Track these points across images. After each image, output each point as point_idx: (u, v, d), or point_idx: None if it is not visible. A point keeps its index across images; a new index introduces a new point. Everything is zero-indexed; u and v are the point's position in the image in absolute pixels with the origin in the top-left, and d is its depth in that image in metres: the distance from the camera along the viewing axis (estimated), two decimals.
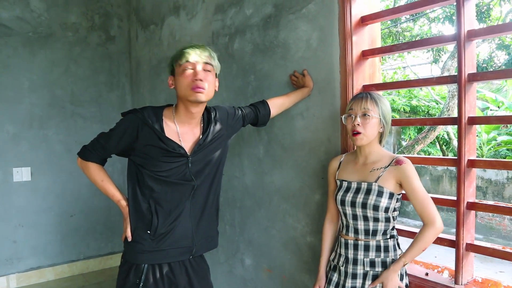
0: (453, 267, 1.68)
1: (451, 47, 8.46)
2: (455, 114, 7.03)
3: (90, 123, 3.96)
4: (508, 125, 8.53)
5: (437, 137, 9.44)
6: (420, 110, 9.40)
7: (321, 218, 2.10)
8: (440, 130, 7.80)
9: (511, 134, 9.09)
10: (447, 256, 5.34)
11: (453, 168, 7.79)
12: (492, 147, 9.31)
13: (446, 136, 9.29)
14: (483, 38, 1.57)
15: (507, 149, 8.91)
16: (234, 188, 2.70)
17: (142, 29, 3.88)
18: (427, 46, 1.76)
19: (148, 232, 1.65)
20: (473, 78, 1.56)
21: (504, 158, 8.87)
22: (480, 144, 9.41)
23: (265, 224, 2.47)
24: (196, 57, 1.61)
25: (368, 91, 1.66)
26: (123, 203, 1.71)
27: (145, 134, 1.60)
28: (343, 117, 1.69)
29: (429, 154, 9.92)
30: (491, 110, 9.61)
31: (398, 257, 1.59)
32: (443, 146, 9.83)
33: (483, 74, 1.54)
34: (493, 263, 5.76)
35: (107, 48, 4.07)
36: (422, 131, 7.38)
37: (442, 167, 7.93)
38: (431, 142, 9.15)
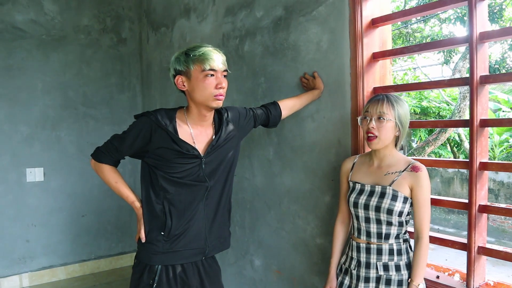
0: (464, 270, 1.68)
1: (462, 48, 8.39)
2: (466, 115, 6.96)
3: (102, 124, 4.00)
4: None
5: (448, 139, 9.36)
6: (431, 112, 9.32)
7: (331, 220, 2.10)
8: (451, 131, 7.73)
9: None
10: (457, 259, 5.29)
11: (465, 170, 7.72)
12: (504, 148, 9.21)
13: (457, 138, 9.21)
14: (495, 40, 1.56)
15: None
16: (244, 189, 2.71)
17: (153, 31, 3.91)
18: (438, 48, 1.75)
19: (162, 233, 1.67)
20: (485, 80, 1.55)
21: None
22: (492, 146, 9.31)
23: (275, 225, 2.47)
24: (220, 64, 1.60)
25: (386, 93, 1.63)
26: (137, 204, 1.73)
27: (158, 136, 1.61)
28: (358, 118, 1.69)
29: (439, 156, 9.83)
30: (503, 111, 9.50)
31: (411, 259, 1.59)
32: (454, 147, 9.74)
33: (496, 76, 1.54)
34: (506, 266, 5.69)
35: (118, 50, 4.11)
36: (433, 133, 7.32)
37: (453, 169, 7.85)
38: (442, 144, 9.07)
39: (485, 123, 1.57)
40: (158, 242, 1.67)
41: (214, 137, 1.72)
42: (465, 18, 7.20)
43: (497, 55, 8.94)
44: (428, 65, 12.93)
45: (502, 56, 8.30)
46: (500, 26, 7.47)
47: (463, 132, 8.69)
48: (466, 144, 8.58)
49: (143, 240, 1.69)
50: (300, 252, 2.30)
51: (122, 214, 4.11)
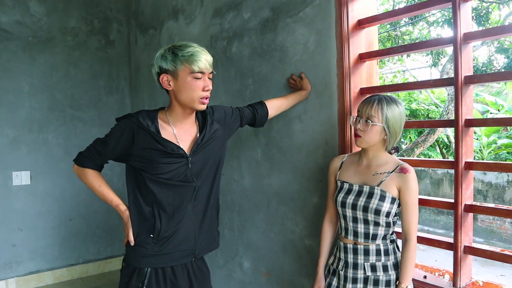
0: (441, 269, 1.69)
1: (450, 50, 8.48)
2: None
3: (90, 127, 3.96)
4: (508, 128, 8.52)
5: (437, 140, 9.43)
6: (420, 114, 9.40)
7: (319, 222, 2.09)
8: (440, 133, 7.80)
9: None
10: (447, 260, 5.33)
11: (452, 171, 7.77)
12: (493, 150, 9.31)
13: (446, 140, 9.29)
14: (479, 40, 1.58)
15: (508, 152, 8.89)
16: (232, 191, 2.70)
17: (142, 33, 3.89)
18: (424, 49, 1.77)
19: (151, 235, 1.65)
20: (469, 80, 1.56)
21: (504, 161, 8.86)
22: (480, 147, 9.41)
23: (264, 227, 2.46)
24: (207, 66, 1.58)
25: (381, 95, 1.60)
26: (122, 207, 1.71)
27: (141, 137, 1.59)
28: (350, 118, 1.70)
29: (429, 157, 9.90)
30: (491, 113, 9.60)
31: (398, 260, 1.59)
32: (443, 149, 9.82)
33: (480, 76, 1.56)
34: (494, 266, 5.74)
35: (106, 52, 4.08)
36: (422, 134, 7.37)
37: (442, 170, 7.91)
38: (431, 146, 9.14)
39: (470, 123, 1.58)
40: (148, 244, 1.65)
41: (198, 135, 1.70)
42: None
43: (484, 58, 9.06)
44: (417, 68, 13.07)
45: (489, 58, 8.40)
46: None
47: (452, 133, 8.77)
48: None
49: (132, 243, 1.67)
50: (288, 253, 2.30)
51: (111, 217, 4.06)
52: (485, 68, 8.00)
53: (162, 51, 1.60)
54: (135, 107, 4.12)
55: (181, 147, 1.64)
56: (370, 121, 1.55)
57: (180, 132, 1.67)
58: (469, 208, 1.59)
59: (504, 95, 10.07)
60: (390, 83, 10.95)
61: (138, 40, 3.99)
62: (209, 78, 1.62)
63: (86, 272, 3.97)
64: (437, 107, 9.42)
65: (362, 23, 1.93)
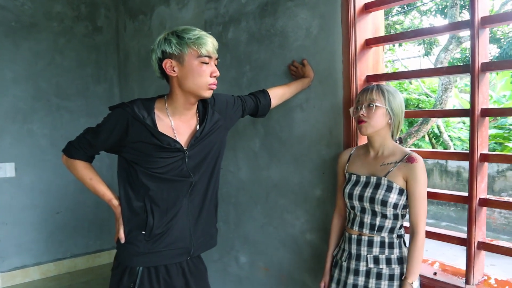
0: (454, 265, 1.62)
1: (443, 40, 8.44)
2: (448, 107, 7.01)
3: (77, 116, 3.80)
4: (498, 118, 8.55)
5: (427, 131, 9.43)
6: (411, 104, 9.37)
7: (322, 215, 2.01)
8: (433, 123, 7.78)
9: (500, 128, 9.13)
10: (438, 250, 5.32)
11: (443, 162, 7.79)
12: None
13: (436, 130, 9.29)
14: (498, 25, 1.48)
15: (495, 143, 8.94)
16: (228, 183, 2.59)
17: (131, 19, 3.73)
18: (437, 34, 1.67)
19: (143, 232, 1.53)
20: (486, 67, 1.47)
21: (492, 151, 8.90)
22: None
23: (262, 221, 2.37)
24: (214, 50, 1.47)
25: (378, 83, 1.59)
26: (115, 202, 1.59)
27: (135, 130, 1.47)
28: (351, 109, 1.64)
29: (419, 148, 9.91)
30: None
31: (403, 254, 1.52)
32: (433, 139, 9.83)
33: (498, 63, 1.47)
34: (485, 256, 5.76)
35: (94, 39, 3.91)
36: (415, 125, 7.34)
37: (432, 160, 7.90)
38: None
39: (486, 112, 1.49)
40: (139, 242, 1.53)
41: (198, 128, 1.58)
42: (446, 10, 7.22)
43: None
44: (407, 58, 13.04)
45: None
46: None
47: (442, 124, 8.77)
48: (445, 136, 8.67)
49: (123, 241, 1.55)
50: (288, 248, 2.21)
51: (100, 210, 3.93)
52: None
53: (164, 35, 1.47)
54: (124, 96, 3.97)
55: (178, 140, 1.52)
56: (373, 104, 1.52)
57: (179, 124, 1.55)
58: (483, 202, 1.52)
59: (493, 85, 10.11)
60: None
61: (127, 27, 3.82)
62: (216, 65, 1.50)
63: (74, 267, 3.85)
64: (427, 97, 9.40)
65: (369, 7, 1.83)
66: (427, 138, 9.95)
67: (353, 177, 1.62)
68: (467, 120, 9.96)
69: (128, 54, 3.84)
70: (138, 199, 1.54)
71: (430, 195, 1.68)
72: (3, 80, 3.42)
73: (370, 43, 1.84)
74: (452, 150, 8.55)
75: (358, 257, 1.55)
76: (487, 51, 1.52)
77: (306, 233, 2.11)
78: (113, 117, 1.49)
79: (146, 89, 3.50)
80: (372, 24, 1.89)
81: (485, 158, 1.50)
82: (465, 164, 7.55)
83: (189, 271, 1.65)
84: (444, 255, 5.30)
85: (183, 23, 2.90)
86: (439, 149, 9.54)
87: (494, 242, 1.51)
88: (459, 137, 9.46)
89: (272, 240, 2.31)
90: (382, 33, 1.95)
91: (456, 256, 5.37)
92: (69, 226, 3.82)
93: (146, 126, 1.47)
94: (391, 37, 1.80)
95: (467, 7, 7.45)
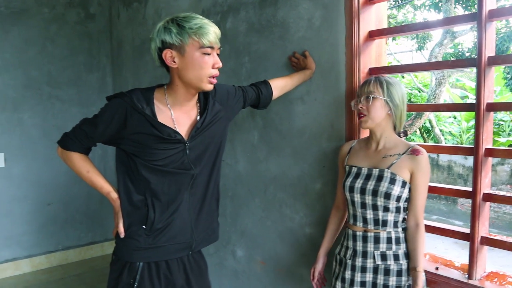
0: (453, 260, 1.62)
1: (436, 35, 8.46)
2: (441, 101, 7.03)
3: (69, 106, 3.72)
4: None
5: None
6: None
7: (322, 209, 1.99)
8: (427, 117, 7.81)
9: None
10: (429, 243, 5.37)
11: (435, 156, 7.84)
12: (471, 135, 9.43)
13: (428, 124, 9.34)
14: (505, 18, 1.46)
15: None
16: (225, 176, 2.55)
17: (124, 6, 3.64)
18: (443, 26, 1.65)
19: (144, 227, 1.49)
20: (493, 61, 1.45)
21: None
22: (460, 132, 9.52)
23: (260, 214, 2.34)
24: (217, 40, 1.41)
25: (377, 75, 1.58)
26: (114, 195, 1.54)
27: (134, 120, 1.41)
28: (352, 103, 1.63)
29: (411, 141, 9.96)
30: (470, 99, 9.70)
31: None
32: (424, 133, 9.89)
33: (505, 57, 1.45)
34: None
35: (86, 26, 3.82)
36: (408, 119, 7.36)
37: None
38: None
39: (492, 107, 1.48)
40: (140, 236, 1.49)
41: (198, 118, 1.54)
42: (440, 5, 7.22)
43: (470, 44, 9.09)
44: (399, 52, 13.06)
45: (474, 43, 8.42)
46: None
47: (434, 118, 8.82)
48: (437, 131, 8.72)
49: (122, 235, 1.51)
50: (287, 242, 2.19)
51: (92, 202, 3.87)
52: (469, 54, 8.02)
53: (163, 23, 1.40)
54: (117, 86, 3.90)
55: (178, 131, 1.48)
56: (370, 96, 1.52)
57: (179, 115, 1.50)
58: (487, 197, 1.51)
59: None
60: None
61: (120, 14, 3.74)
62: (217, 54, 1.45)
63: (66, 259, 3.79)
64: (420, 92, 9.44)
65: None
66: (418, 132, 10.01)
67: (354, 170, 1.60)
68: (457, 114, 10.03)
69: (121, 42, 3.77)
70: (138, 193, 1.49)
71: (435, 190, 1.67)
72: None
73: (373, 35, 1.81)
74: (443, 144, 8.59)
75: (365, 254, 1.53)
76: (494, 45, 1.50)
77: (305, 227, 2.09)
78: (111, 107, 1.44)
79: (140, 78, 3.44)
80: (375, 16, 1.86)
81: (489, 153, 1.49)
82: (456, 158, 7.62)
83: (190, 267, 1.61)
84: (436, 248, 5.35)
85: (179, 11, 2.81)
86: (430, 143, 9.60)
87: (498, 237, 1.50)
88: (450, 131, 9.53)
89: (270, 234, 2.28)
90: (385, 25, 1.92)
91: (447, 250, 5.45)
92: (61, 218, 3.76)
93: (146, 116, 1.42)
94: (395, 29, 1.77)
95: (461, 2, 7.46)
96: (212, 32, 1.39)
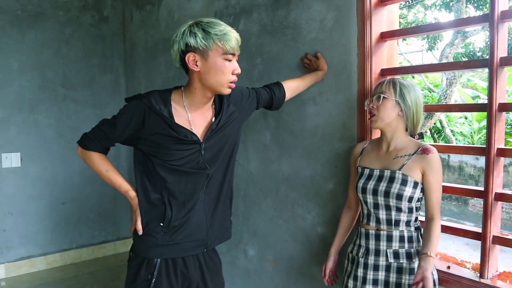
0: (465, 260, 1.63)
1: (447, 35, 8.41)
2: (452, 102, 6.99)
3: (82, 107, 3.79)
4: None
5: None
6: None
7: (334, 209, 2.01)
8: (437, 118, 7.77)
9: None
10: (439, 245, 5.34)
11: (445, 156, 7.79)
12: (483, 135, 9.35)
13: (438, 125, 9.29)
14: None
15: None
16: (237, 176, 2.58)
17: (138, 9, 3.70)
18: (456, 27, 1.66)
19: (161, 224, 1.53)
20: (505, 62, 1.46)
21: None
22: (471, 132, 9.44)
23: (271, 214, 2.37)
24: (238, 47, 1.45)
25: (392, 77, 1.60)
26: (132, 193, 1.58)
27: (152, 121, 1.46)
28: (366, 102, 1.65)
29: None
30: (482, 99, 9.62)
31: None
32: (435, 134, 9.84)
33: None
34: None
35: (100, 29, 3.88)
36: None
37: None
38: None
39: (504, 107, 1.49)
40: (157, 234, 1.53)
41: (214, 120, 1.58)
42: (451, 4, 7.18)
43: (481, 43, 9.02)
44: (409, 52, 13.00)
45: (486, 43, 8.35)
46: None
47: (445, 118, 8.77)
48: (448, 131, 8.66)
49: (140, 232, 1.55)
50: (299, 241, 2.21)
51: (105, 201, 3.94)
52: (481, 53, 7.96)
53: (188, 26, 1.43)
54: (131, 87, 3.96)
55: (195, 133, 1.51)
56: (381, 96, 1.54)
57: (195, 117, 1.54)
58: (499, 197, 1.51)
59: None
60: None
61: (133, 17, 3.80)
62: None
63: (80, 258, 3.86)
64: (430, 92, 9.38)
65: (384, 0, 1.81)
66: (429, 133, 9.96)
67: (366, 171, 1.62)
68: (469, 115, 9.95)
69: (134, 44, 3.82)
70: (155, 191, 1.54)
71: (448, 190, 1.68)
72: (9, 70, 3.41)
73: (385, 36, 1.83)
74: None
75: (377, 252, 1.55)
76: (506, 46, 1.51)
77: (317, 226, 2.11)
78: (130, 108, 1.48)
79: (153, 80, 3.49)
80: (387, 17, 1.88)
81: (501, 152, 1.50)
82: (467, 158, 7.57)
83: (206, 264, 1.65)
84: (447, 249, 5.33)
85: (192, 13, 2.88)
86: (441, 143, 9.53)
87: (510, 237, 1.51)
88: (461, 132, 9.46)
89: (282, 233, 2.31)
90: (396, 26, 1.93)
91: (458, 251, 5.42)
92: (74, 217, 3.82)
93: (163, 118, 1.46)
94: (407, 31, 1.79)
95: (472, 1, 7.41)
96: (235, 39, 1.43)
